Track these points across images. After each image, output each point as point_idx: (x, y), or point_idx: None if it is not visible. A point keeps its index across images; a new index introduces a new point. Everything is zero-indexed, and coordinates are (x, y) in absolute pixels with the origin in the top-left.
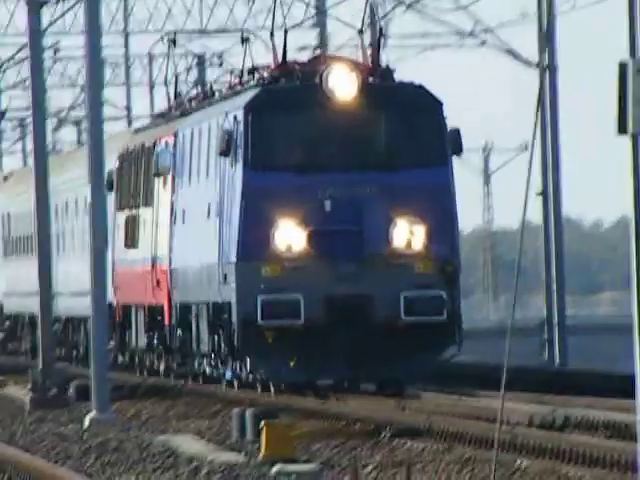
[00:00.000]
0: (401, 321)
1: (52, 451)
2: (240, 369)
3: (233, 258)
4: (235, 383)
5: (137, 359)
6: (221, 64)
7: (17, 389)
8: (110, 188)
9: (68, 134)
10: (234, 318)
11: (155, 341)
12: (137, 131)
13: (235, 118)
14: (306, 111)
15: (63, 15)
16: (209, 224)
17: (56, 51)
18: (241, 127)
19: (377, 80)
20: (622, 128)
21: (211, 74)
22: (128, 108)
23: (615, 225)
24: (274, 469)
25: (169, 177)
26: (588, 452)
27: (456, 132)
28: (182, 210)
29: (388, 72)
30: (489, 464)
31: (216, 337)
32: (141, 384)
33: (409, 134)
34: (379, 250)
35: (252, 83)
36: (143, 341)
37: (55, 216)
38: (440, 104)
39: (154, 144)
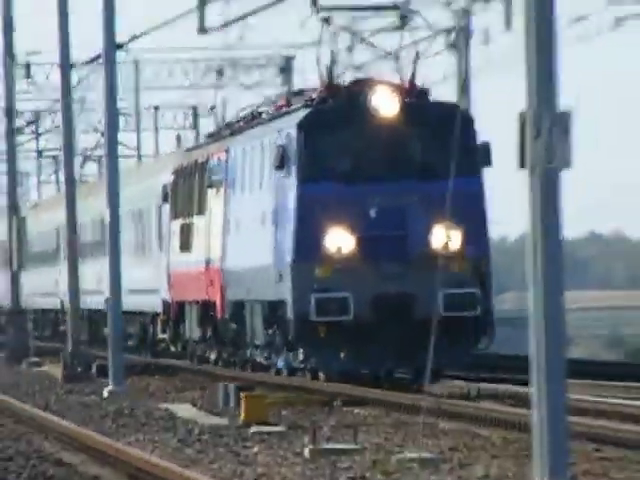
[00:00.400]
0: (441, 317)
1: (78, 416)
2: (293, 359)
3: (289, 260)
4: (285, 371)
5: (189, 349)
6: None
7: (52, 367)
8: (165, 200)
9: (91, 169)
10: (289, 314)
11: (208, 333)
12: (189, 150)
13: (289, 135)
14: (352, 128)
15: (87, 76)
16: (264, 230)
17: (83, 103)
18: (295, 143)
19: (414, 99)
20: (522, 163)
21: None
22: (138, 148)
23: (518, 240)
24: (251, 430)
25: (221, 188)
26: (495, 417)
27: (486, 146)
28: (235, 217)
29: (424, 92)
30: (418, 426)
31: (270, 330)
32: (150, 364)
33: (444, 148)
34: (420, 253)
35: (300, 104)
36: (196, 333)
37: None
38: (472, 120)
39: (206, 160)
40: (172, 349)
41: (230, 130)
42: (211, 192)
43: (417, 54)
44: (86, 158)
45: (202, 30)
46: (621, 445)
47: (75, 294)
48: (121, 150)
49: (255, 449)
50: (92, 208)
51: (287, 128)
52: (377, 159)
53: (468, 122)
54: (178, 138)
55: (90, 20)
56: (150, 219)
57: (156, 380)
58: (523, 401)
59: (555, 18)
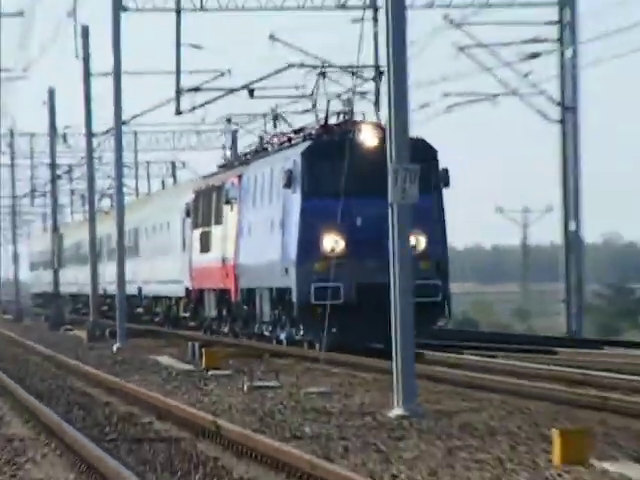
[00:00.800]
0: None
1: (96, 363)
2: (295, 333)
3: (293, 257)
4: (284, 342)
5: (205, 324)
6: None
7: (79, 332)
8: (187, 214)
9: (106, 203)
10: (294, 299)
11: (223, 312)
12: (205, 177)
13: (294, 162)
14: (343, 157)
15: (104, 141)
16: (273, 234)
17: (100, 159)
18: (299, 168)
19: None
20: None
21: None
22: (136, 189)
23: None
24: (209, 373)
25: (235, 205)
26: (369, 364)
27: (445, 171)
28: (247, 225)
29: None
30: (318, 371)
31: (276, 311)
32: (146, 330)
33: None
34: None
35: (301, 139)
36: (213, 312)
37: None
38: (435, 151)
39: (222, 184)
40: (191, 324)
41: (241, 161)
42: (227, 207)
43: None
44: (103, 195)
45: (178, 112)
46: (451, 383)
47: (94, 281)
48: (125, 190)
49: (212, 385)
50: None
51: (293, 156)
52: (361, 180)
53: (432, 152)
54: (162, 182)
55: (104, 104)
56: (176, 229)
57: (148, 340)
58: (388, 354)
59: (407, 109)
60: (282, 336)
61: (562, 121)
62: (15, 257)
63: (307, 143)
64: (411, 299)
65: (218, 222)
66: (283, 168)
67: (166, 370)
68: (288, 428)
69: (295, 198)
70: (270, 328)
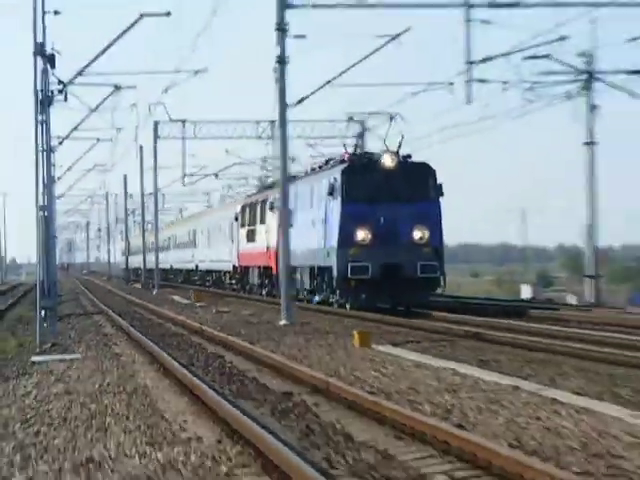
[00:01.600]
0: (418, 276)
1: (145, 299)
2: (332, 298)
3: (335, 245)
4: (315, 303)
5: (248, 288)
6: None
7: (137, 285)
8: (236, 219)
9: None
10: (334, 274)
11: (265, 281)
12: (248, 196)
13: (335, 178)
14: (371, 173)
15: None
16: (315, 229)
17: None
18: (339, 181)
19: (403, 160)
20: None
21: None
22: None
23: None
24: (197, 304)
25: (276, 211)
26: (271, 301)
27: (440, 185)
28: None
29: (408, 156)
30: (249, 303)
31: (315, 281)
32: (174, 287)
33: (419, 185)
34: (407, 241)
35: (335, 162)
36: (256, 281)
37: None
38: (434, 170)
39: (266, 198)
40: (236, 287)
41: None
42: (270, 213)
43: (402, 137)
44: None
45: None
46: (314, 310)
47: (145, 257)
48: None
49: (198, 310)
50: (184, 228)
51: (335, 173)
52: (382, 191)
53: (432, 172)
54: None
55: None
56: (226, 230)
57: (172, 289)
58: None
59: (286, 163)
60: (317, 298)
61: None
62: (109, 252)
63: (345, 164)
64: (287, 273)
65: (262, 222)
66: (328, 181)
67: (178, 303)
68: (233, 330)
69: (336, 203)
70: (307, 294)
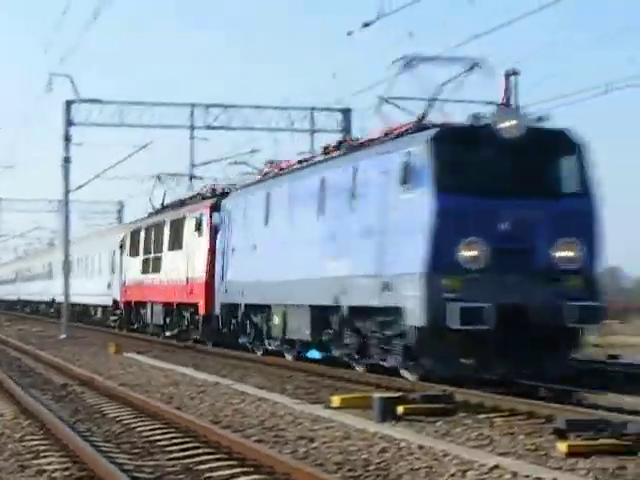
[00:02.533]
0: (564, 325)
1: None
2: (404, 364)
3: (417, 269)
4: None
5: (140, 328)
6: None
7: None
8: (121, 247)
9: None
10: (408, 321)
11: (181, 321)
12: (140, 220)
13: (413, 153)
14: (484, 148)
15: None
16: (336, 244)
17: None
18: (425, 158)
19: (536, 126)
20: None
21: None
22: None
23: None
24: (7, 323)
25: (207, 232)
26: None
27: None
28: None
29: (541, 119)
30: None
31: (326, 330)
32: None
33: (563, 169)
34: (543, 266)
35: (410, 130)
36: (159, 320)
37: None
38: (586, 145)
39: (178, 218)
40: (113, 325)
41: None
42: (194, 235)
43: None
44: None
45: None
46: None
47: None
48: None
49: (7, 328)
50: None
51: (411, 146)
52: (505, 177)
53: (582, 146)
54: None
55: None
56: (103, 260)
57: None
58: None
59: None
60: (316, 354)
61: None
62: None
63: (435, 130)
64: None
65: (176, 247)
66: (396, 161)
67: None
68: (29, 340)
69: (417, 196)
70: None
